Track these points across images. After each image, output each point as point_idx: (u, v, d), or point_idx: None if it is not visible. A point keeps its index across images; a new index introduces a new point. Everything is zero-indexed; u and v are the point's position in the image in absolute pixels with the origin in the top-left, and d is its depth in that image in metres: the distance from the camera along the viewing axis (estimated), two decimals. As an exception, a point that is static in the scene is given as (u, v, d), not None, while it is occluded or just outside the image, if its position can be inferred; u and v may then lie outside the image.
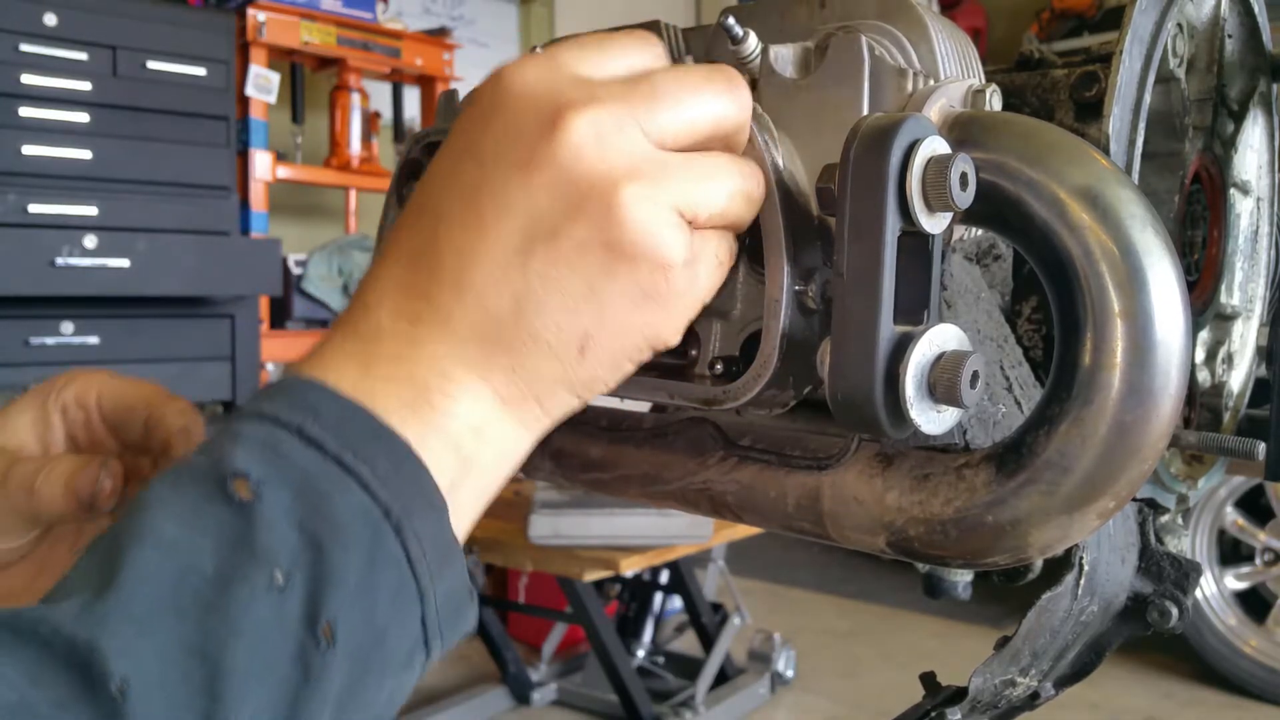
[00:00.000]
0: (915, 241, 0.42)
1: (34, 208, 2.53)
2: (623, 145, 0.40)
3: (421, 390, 0.39)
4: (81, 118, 2.64)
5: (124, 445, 0.59)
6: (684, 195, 0.41)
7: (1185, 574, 0.58)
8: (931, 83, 0.46)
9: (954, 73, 0.49)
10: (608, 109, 0.40)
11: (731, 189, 0.43)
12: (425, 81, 3.76)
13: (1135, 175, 0.52)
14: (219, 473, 0.35)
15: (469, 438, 0.40)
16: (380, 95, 3.89)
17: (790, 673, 3.05)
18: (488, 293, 0.40)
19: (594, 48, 0.44)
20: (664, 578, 3.08)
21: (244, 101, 3.19)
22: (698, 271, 0.42)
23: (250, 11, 3.20)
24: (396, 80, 3.80)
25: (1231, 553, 3.14)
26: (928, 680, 0.60)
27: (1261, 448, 0.56)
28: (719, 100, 0.43)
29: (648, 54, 0.45)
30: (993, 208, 0.43)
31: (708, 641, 2.96)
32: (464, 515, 0.41)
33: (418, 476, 0.38)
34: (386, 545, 0.36)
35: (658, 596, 3.14)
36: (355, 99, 3.60)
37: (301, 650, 0.34)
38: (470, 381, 0.40)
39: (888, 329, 0.41)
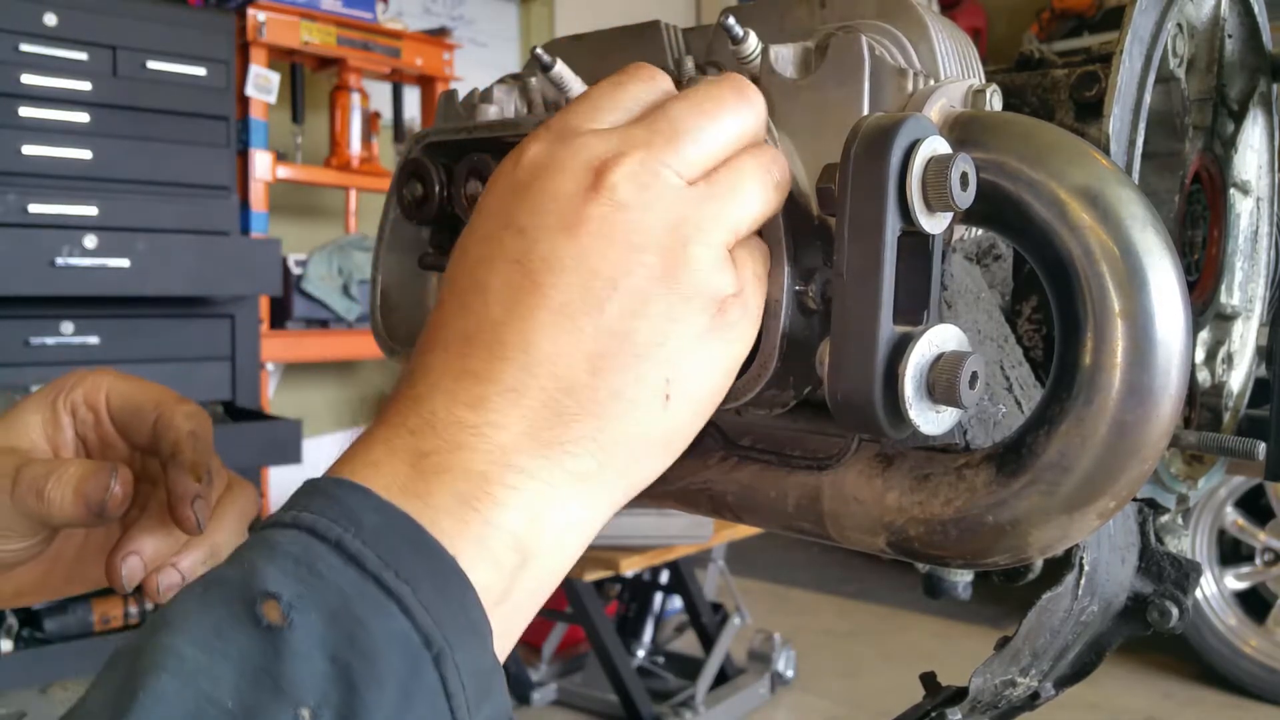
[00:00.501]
0: (915, 241, 0.42)
1: (34, 208, 2.53)
2: (663, 191, 0.40)
3: (480, 482, 0.37)
4: (81, 118, 2.64)
5: (132, 446, 0.59)
6: (726, 224, 0.41)
7: (1185, 574, 0.58)
8: (932, 83, 0.46)
9: (954, 73, 0.49)
10: (638, 157, 0.40)
11: (763, 195, 0.43)
12: (425, 81, 3.76)
13: (1135, 175, 0.52)
14: (249, 593, 0.33)
15: (530, 530, 0.37)
16: (380, 95, 3.89)
17: (790, 673, 3.05)
18: (560, 360, 0.38)
19: (605, 99, 0.43)
20: (664, 578, 3.08)
21: (244, 101, 3.19)
22: (746, 299, 0.42)
23: (250, 11, 3.20)
24: (396, 80, 3.80)
25: (1231, 553, 3.14)
26: (928, 680, 0.60)
27: (1261, 448, 0.56)
28: (736, 118, 0.43)
29: (655, 88, 0.44)
30: (993, 208, 0.43)
31: (708, 641, 2.96)
32: (521, 610, 0.38)
33: (463, 599, 0.35)
34: (424, 678, 0.33)
35: (658, 596, 3.14)
36: (355, 99, 3.60)
37: None
38: (537, 465, 0.38)
39: (887, 329, 0.41)
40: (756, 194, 0.42)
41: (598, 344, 0.38)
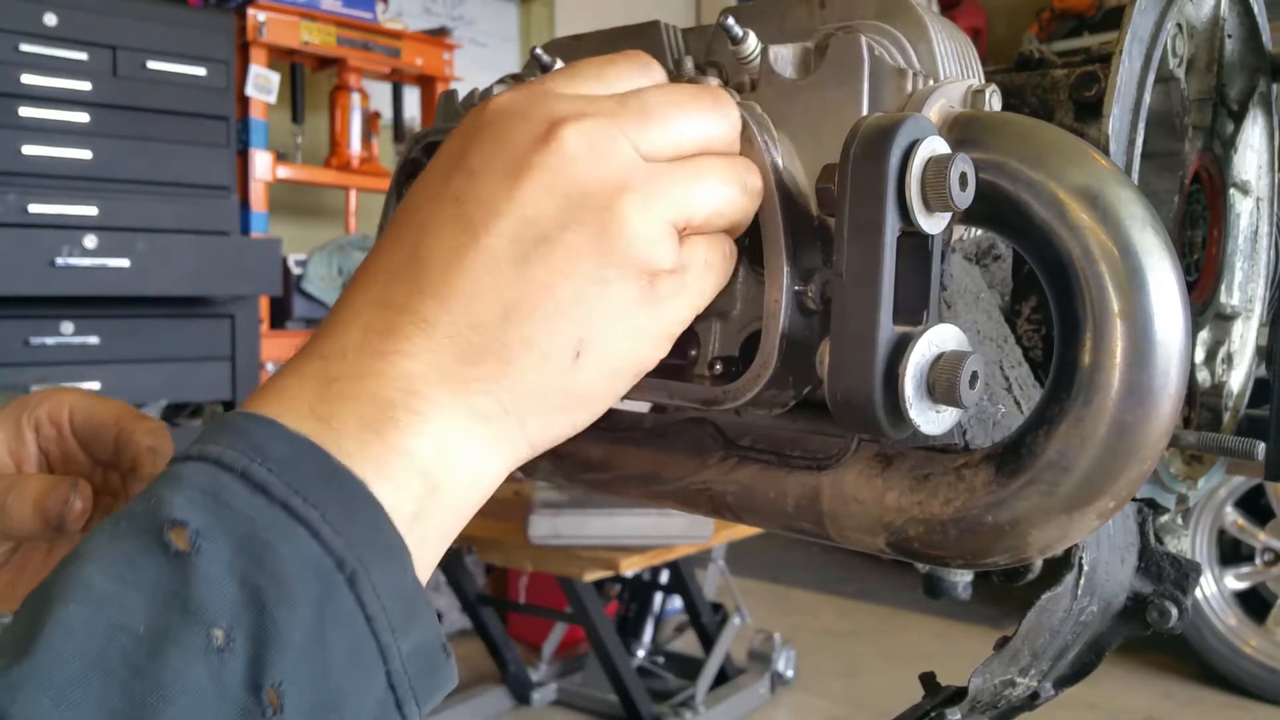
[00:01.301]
0: (915, 241, 0.42)
1: (34, 208, 2.53)
2: (614, 156, 0.40)
3: (385, 407, 0.37)
4: (81, 118, 2.64)
5: (95, 461, 0.61)
6: (674, 205, 0.41)
7: (1185, 574, 0.58)
8: (931, 83, 0.46)
9: (954, 73, 0.49)
10: (598, 121, 0.40)
11: (724, 192, 0.43)
12: (425, 81, 3.76)
13: (1135, 175, 0.52)
14: (155, 521, 0.32)
15: (437, 459, 0.37)
16: (380, 95, 3.89)
17: (790, 673, 3.05)
18: (476, 299, 0.38)
19: (589, 69, 0.44)
20: (664, 578, 3.08)
21: (244, 101, 3.19)
22: (685, 279, 0.42)
23: (250, 11, 3.20)
24: (396, 80, 3.80)
25: (1231, 553, 3.14)
26: (928, 680, 0.60)
27: (1261, 448, 0.56)
28: (706, 119, 0.43)
29: (642, 74, 0.45)
30: (992, 208, 0.43)
31: (708, 641, 2.96)
32: (430, 545, 0.38)
33: (376, 522, 0.35)
34: (339, 599, 0.33)
35: (658, 596, 3.14)
36: (355, 99, 3.60)
37: (244, 718, 0.31)
38: (442, 397, 0.38)
39: (887, 329, 0.41)
40: (716, 189, 0.43)
41: (517, 290, 0.39)
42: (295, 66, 3.59)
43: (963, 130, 0.45)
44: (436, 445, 0.37)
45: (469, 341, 0.38)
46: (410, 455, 0.37)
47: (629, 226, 0.39)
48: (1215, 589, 3.06)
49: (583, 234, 0.39)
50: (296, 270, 3.42)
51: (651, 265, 0.40)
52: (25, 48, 2.55)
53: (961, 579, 0.67)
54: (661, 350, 0.43)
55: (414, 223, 0.41)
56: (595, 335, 0.40)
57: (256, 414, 0.36)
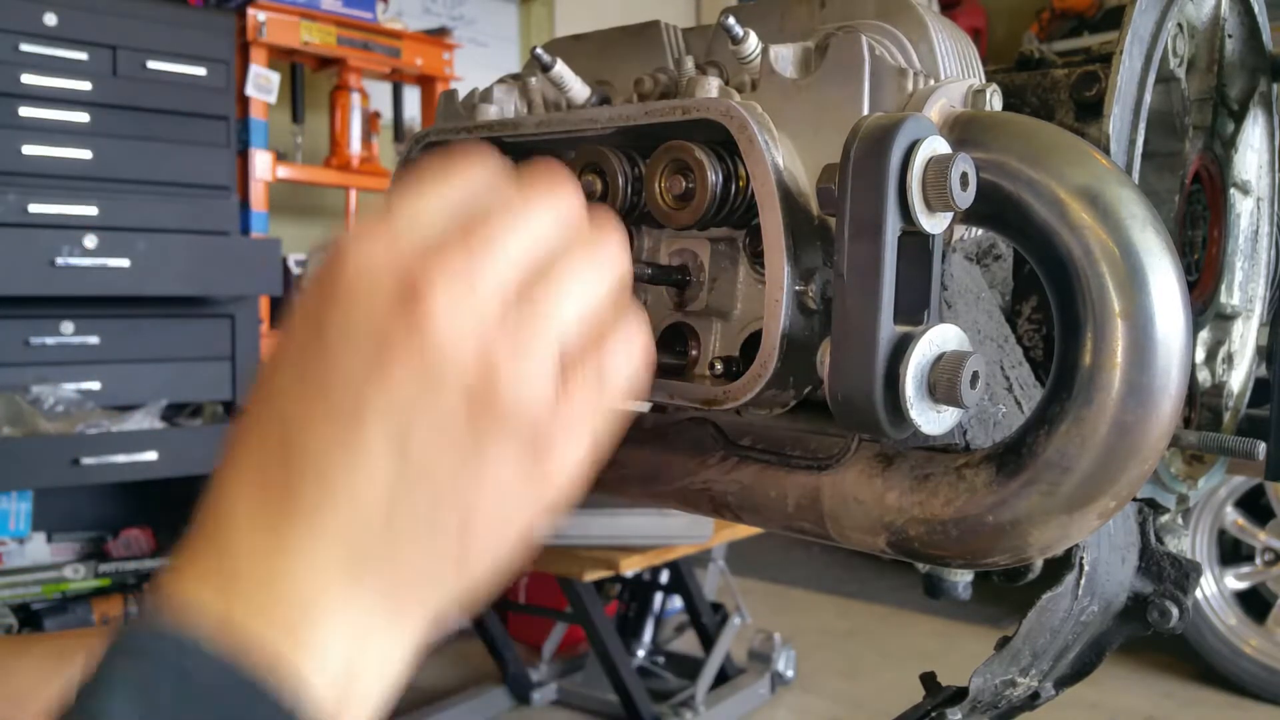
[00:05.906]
0: (915, 241, 0.42)
1: (34, 208, 2.53)
2: (476, 310, 0.38)
3: (291, 620, 0.37)
4: (81, 118, 2.64)
5: None
6: (546, 342, 0.40)
7: (1185, 574, 0.58)
8: (932, 82, 0.46)
9: (954, 72, 0.49)
10: (451, 276, 0.38)
11: (592, 293, 0.41)
12: (425, 81, 3.76)
13: (1135, 175, 0.52)
14: None
15: (348, 662, 0.38)
16: (380, 95, 3.89)
17: (790, 673, 3.04)
18: (356, 490, 0.38)
19: (428, 202, 0.41)
20: (664, 578, 3.08)
21: (244, 101, 3.19)
22: (572, 416, 0.40)
23: (250, 11, 3.20)
24: (396, 80, 3.80)
25: (1231, 553, 3.14)
26: (928, 680, 0.60)
27: (1261, 448, 0.56)
28: (552, 217, 0.41)
29: (479, 183, 0.42)
30: (993, 208, 0.43)
31: (708, 641, 2.96)
32: None
33: None
34: None
35: (658, 596, 3.14)
36: (355, 99, 3.60)
37: None
38: (344, 594, 0.38)
39: (888, 329, 0.41)
40: (583, 295, 0.41)
41: (397, 474, 0.38)
42: (295, 66, 3.59)
43: (963, 130, 0.45)
44: (346, 647, 0.38)
45: (358, 533, 0.38)
46: (323, 666, 0.37)
47: (502, 393, 0.38)
48: (1215, 589, 3.06)
49: (454, 400, 0.38)
50: (296, 270, 3.42)
51: (531, 419, 0.39)
52: (25, 48, 2.55)
53: (962, 579, 0.67)
54: (552, 493, 0.41)
55: (278, 414, 0.39)
56: (480, 501, 0.39)
57: (179, 634, 0.36)
